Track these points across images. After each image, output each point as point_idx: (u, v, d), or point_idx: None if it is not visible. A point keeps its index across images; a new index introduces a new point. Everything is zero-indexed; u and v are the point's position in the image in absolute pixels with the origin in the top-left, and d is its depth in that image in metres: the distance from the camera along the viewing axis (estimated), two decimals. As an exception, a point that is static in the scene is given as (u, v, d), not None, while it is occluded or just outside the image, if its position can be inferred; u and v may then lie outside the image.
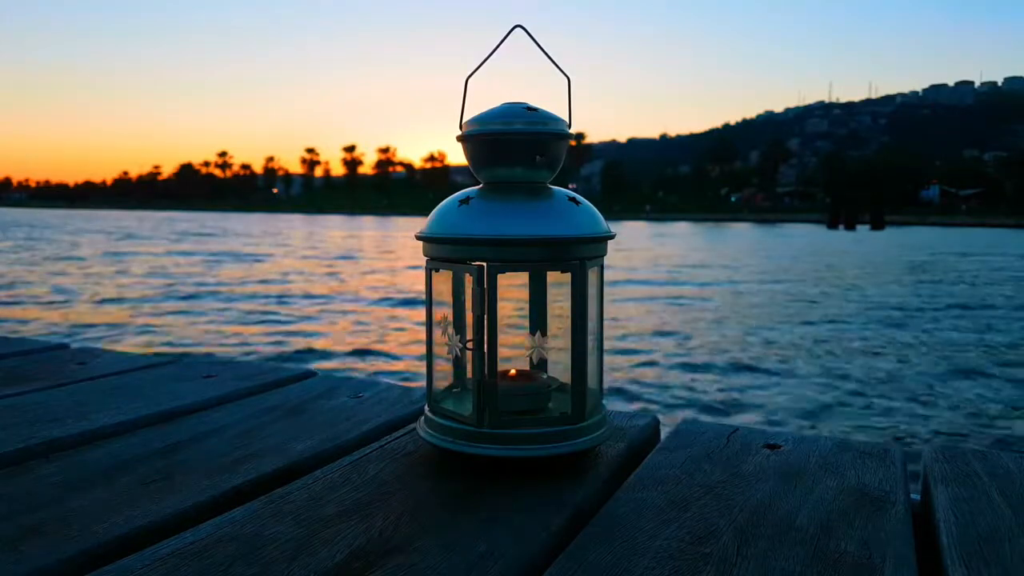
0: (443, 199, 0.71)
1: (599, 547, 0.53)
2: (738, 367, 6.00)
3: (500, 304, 0.66)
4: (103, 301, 9.41)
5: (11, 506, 0.59)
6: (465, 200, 0.68)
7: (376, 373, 5.79)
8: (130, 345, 6.79)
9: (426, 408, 0.72)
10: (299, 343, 6.87)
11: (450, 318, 0.73)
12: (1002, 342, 7.35)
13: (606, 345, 0.76)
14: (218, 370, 1.05)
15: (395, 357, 6.37)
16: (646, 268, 14.91)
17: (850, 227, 45.54)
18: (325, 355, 6.42)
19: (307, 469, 0.69)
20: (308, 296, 10.37)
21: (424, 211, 0.78)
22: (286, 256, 18.31)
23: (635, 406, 4.72)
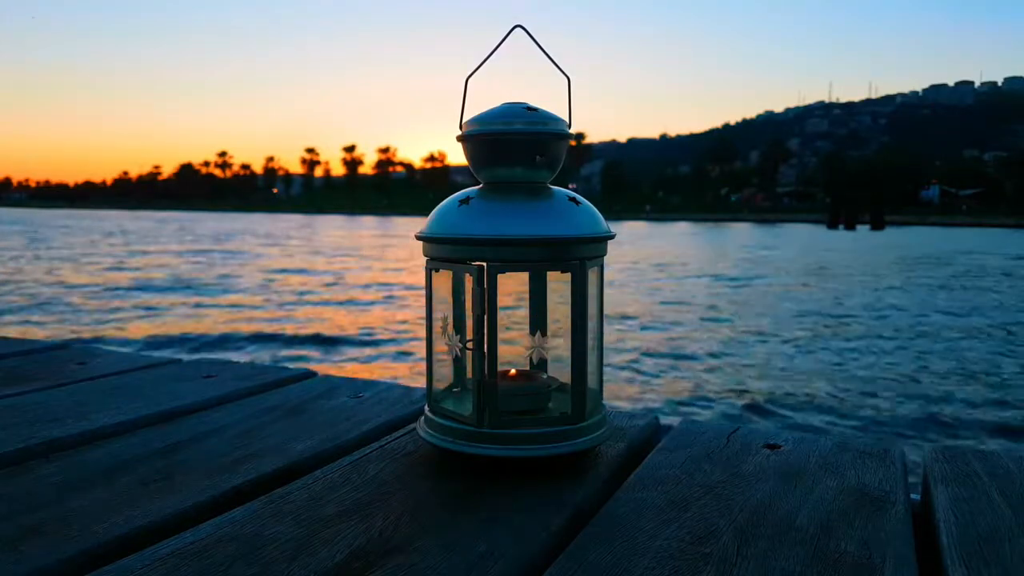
0: (443, 199, 0.71)
1: (599, 547, 0.53)
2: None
3: (500, 303, 0.66)
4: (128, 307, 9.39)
5: (11, 506, 0.59)
6: (465, 200, 0.68)
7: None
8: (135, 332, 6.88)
9: (426, 408, 0.72)
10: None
11: (450, 318, 0.73)
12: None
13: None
14: (218, 370, 1.05)
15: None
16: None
17: (850, 227, 45.53)
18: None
19: (307, 469, 0.69)
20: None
21: (424, 211, 0.78)
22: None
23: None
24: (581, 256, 0.67)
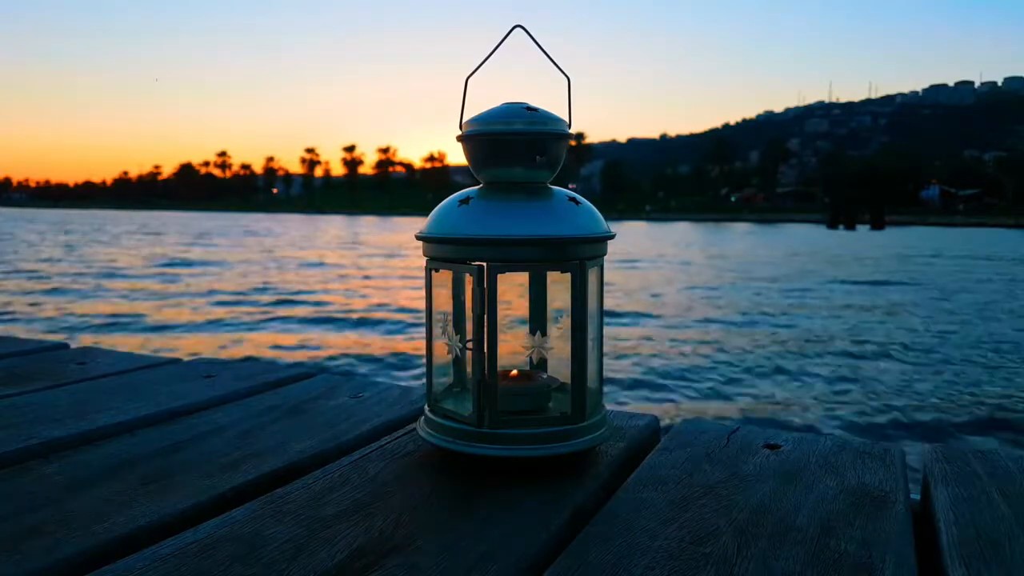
0: (443, 199, 0.71)
1: (599, 547, 0.53)
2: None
3: (500, 304, 0.66)
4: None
5: (11, 506, 0.59)
6: (465, 200, 0.68)
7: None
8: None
9: (426, 408, 0.72)
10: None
11: (450, 318, 0.73)
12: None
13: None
14: (218, 370, 1.05)
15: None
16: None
17: (850, 227, 45.54)
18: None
19: (307, 469, 0.69)
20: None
21: (424, 211, 0.77)
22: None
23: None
24: (581, 256, 0.67)
